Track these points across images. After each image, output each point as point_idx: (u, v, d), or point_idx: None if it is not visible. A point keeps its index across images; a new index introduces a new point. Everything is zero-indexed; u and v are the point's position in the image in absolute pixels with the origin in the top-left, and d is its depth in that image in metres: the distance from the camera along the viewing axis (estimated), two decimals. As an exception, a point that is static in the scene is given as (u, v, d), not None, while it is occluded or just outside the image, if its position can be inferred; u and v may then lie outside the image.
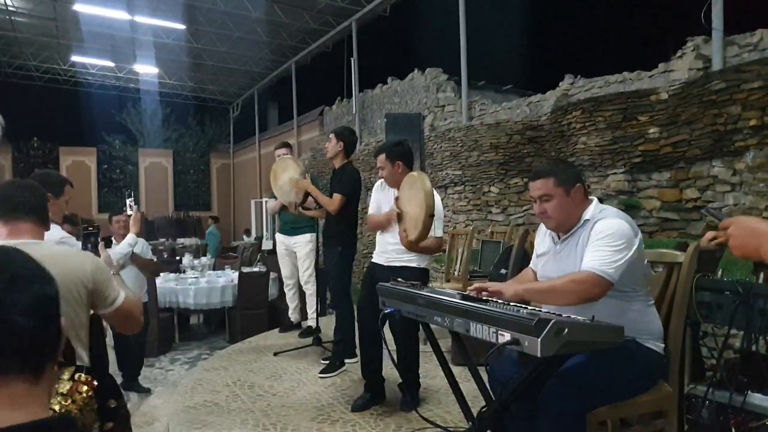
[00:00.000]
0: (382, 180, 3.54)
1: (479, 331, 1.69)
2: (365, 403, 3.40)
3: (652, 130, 5.74)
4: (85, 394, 1.46)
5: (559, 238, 2.21)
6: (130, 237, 3.51)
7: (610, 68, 7.45)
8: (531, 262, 2.46)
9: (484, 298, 2.00)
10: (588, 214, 2.12)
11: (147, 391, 4.58)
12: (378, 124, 12.47)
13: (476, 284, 2.13)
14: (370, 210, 3.69)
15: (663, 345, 2.08)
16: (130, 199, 3.70)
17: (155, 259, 5.40)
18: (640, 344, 2.02)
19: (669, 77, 6.29)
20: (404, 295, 2.12)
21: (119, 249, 3.41)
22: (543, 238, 2.33)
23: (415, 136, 6.65)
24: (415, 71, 12.26)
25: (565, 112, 6.82)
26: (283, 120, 19.42)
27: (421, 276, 3.41)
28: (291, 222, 5.01)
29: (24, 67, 17.98)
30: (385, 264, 3.41)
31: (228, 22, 13.83)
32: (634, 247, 1.98)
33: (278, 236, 5.31)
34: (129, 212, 3.58)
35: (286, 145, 5.26)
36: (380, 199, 3.61)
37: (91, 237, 2.35)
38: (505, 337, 1.58)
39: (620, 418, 1.98)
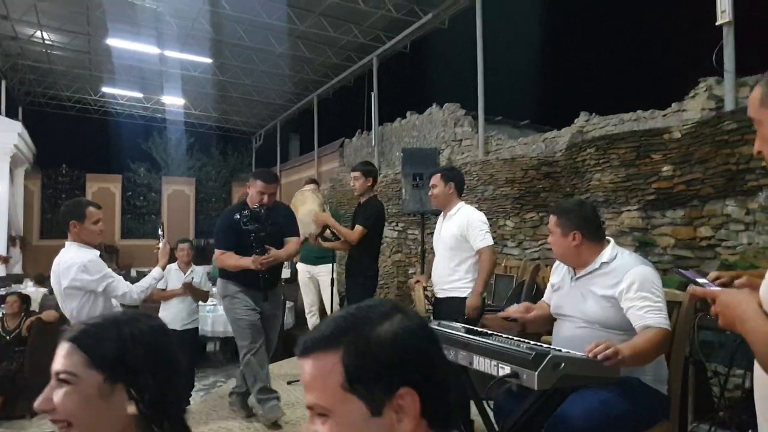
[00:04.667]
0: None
1: (481, 364, 1.77)
2: None
3: (665, 168, 5.80)
4: None
5: (575, 273, 2.27)
6: (156, 271, 3.19)
7: (624, 106, 7.56)
8: (545, 294, 2.53)
9: (490, 332, 2.08)
10: (605, 256, 2.16)
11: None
12: (396, 156, 12.64)
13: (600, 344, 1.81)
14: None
15: (667, 387, 2.13)
16: (161, 231, 3.61)
17: (210, 290, 5.63)
18: (643, 383, 2.07)
19: (682, 116, 6.37)
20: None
21: (141, 283, 3.08)
22: (561, 270, 2.40)
23: (431, 170, 6.79)
24: (434, 106, 12.47)
25: (580, 149, 6.92)
26: (304, 151, 19.77)
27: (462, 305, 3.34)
28: (315, 252, 5.22)
29: (57, 97, 18.62)
30: (440, 296, 3.56)
31: (253, 56, 14.27)
32: None
33: (300, 265, 5.59)
34: (159, 244, 3.39)
35: (313, 181, 5.62)
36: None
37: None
38: (505, 370, 1.66)
39: (622, 454, 2.03)
